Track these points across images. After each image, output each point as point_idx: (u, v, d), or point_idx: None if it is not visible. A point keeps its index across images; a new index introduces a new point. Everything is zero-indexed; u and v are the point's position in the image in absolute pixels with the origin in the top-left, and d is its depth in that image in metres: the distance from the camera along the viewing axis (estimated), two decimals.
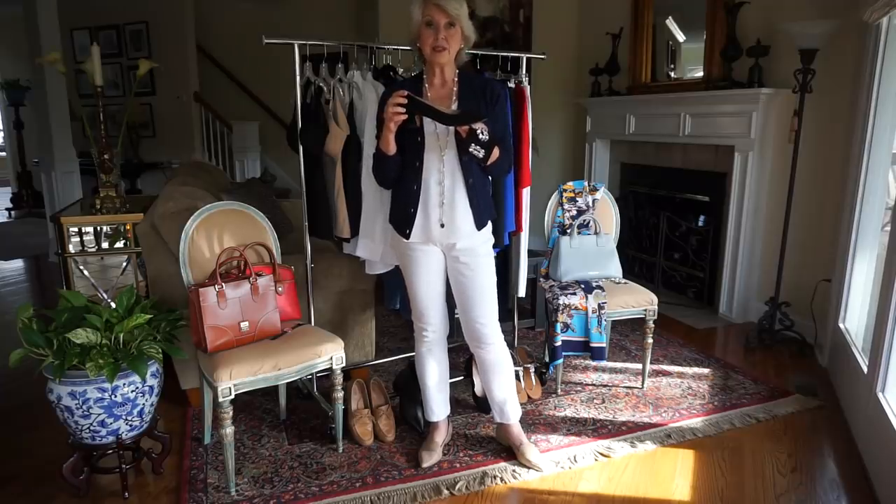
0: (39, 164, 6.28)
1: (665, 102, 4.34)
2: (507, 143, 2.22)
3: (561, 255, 2.97)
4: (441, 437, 2.45)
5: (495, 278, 2.31)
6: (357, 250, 2.54)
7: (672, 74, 4.59)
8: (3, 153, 10.07)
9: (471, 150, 2.04)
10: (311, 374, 2.50)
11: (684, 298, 4.37)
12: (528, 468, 2.33)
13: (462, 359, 3.27)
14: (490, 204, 2.31)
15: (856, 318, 3.06)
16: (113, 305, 2.23)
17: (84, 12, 6.88)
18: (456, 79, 2.20)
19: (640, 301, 2.84)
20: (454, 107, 2.16)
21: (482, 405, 2.76)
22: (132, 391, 2.11)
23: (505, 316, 2.80)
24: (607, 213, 3.11)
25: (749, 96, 3.66)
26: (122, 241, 3.48)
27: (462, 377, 3.01)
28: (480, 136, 2.02)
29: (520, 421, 2.43)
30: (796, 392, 2.96)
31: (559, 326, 2.79)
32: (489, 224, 2.29)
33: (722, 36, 3.88)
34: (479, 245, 2.25)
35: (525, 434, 2.45)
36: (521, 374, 2.94)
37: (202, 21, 6.86)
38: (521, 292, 3.14)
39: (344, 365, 2.34)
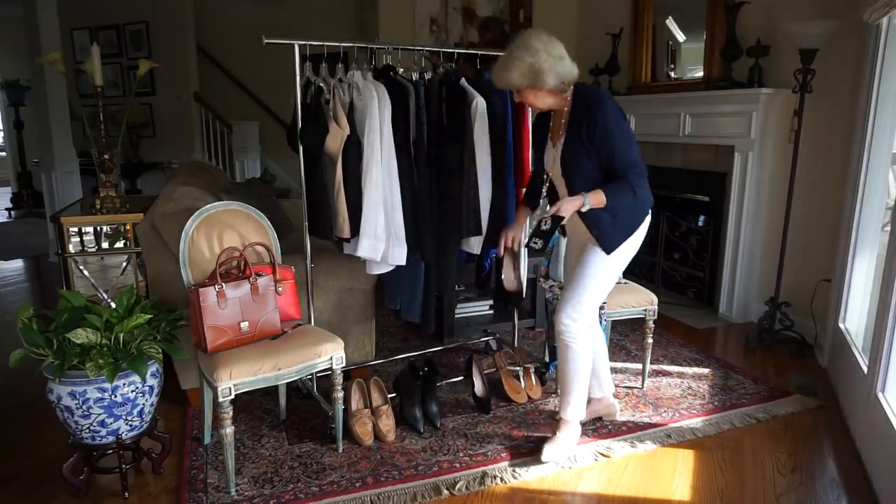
0: (39, 164, 6.28)
1: (665, 102, 4.34)
2: (620, 166, 2.20)
3: (561, 255, 2.97)
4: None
5: (600, 276, 2.36)
6: (358, 250, 2.54)
7: (672, 74, 4.59)
8: (3, 153, 10.07)
9: (530, 244, 2.23)
10: (311, 374, 2.50)
11: (684, 298, 4.37)
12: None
13: (462, 359, 3.27)
14: (624, 224, 2.32)
15: (856, 318, 3.06)
16: (113, 305, 2.23)
17: (84, 12, 6.89)
18: (569, 108, 2.29)
19: (640, 301, 2.84)
20: (563, 133, 2.30)
21: (482, 405, 2.77)
22: (132, 391, 2.11)
23: (505, 316, 2.81)
24: None
25: (749, 96, 3.66)
26: (122, 241, 3.48)
27: (462, 377, 3.01)
28: (542, 226, 2.19)
29: (521, 421, 2.42)
30: (796, 392, 2.96)
31: None
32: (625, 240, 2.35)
33: (722, 36, 3.88)
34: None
35: (555, 429, 2.48)
36: (521, 374, 2.94)
37: (202, 21, 6.86)
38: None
39: (344, 365, 2.34)
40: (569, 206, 2.18)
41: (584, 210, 2.21)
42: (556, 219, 2.18)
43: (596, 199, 2.18)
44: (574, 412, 2.45)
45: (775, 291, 3.55)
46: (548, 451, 2.38)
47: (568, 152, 2.27)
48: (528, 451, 2.44)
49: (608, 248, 2.31)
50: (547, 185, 2.45)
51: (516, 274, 2.74)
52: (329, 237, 2.60)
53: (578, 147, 2.23)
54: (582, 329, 2.36)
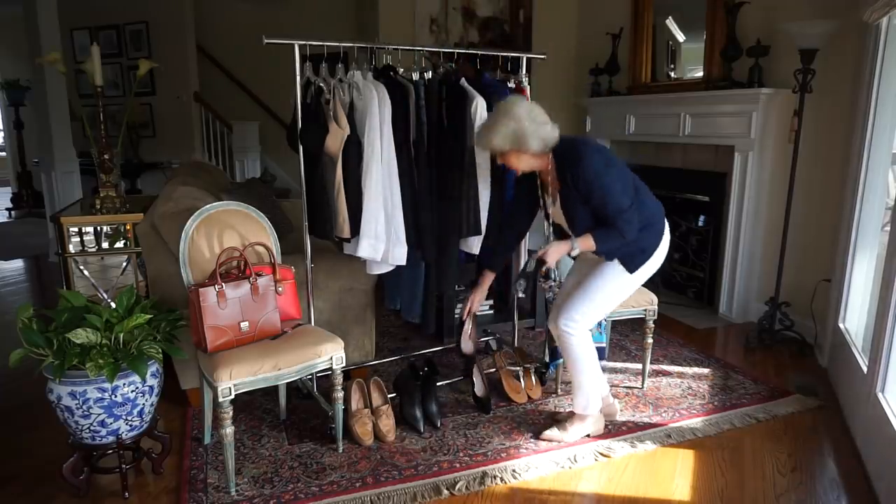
0: (39, 164, 6.28)
1: (665, 102, 4.33)
2: (608, 213, 2.27)
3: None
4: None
5: (613, 290, 2.44)
6: (358, 250, 2.54)
7: (672, 74, 4.59)
8: (3, 153, 10.06)
9: (516, 287, 2.38)
10: (311, 374, 2.50)
11: (684, 298, 4.37)
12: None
13: (462, 359, 3.27)
14: (643, 243, 2.40)
15: (856, 318, 3.06)
16: (113, 305, 2.23)
17: (84, 12, 6.88)
18: (551, 166, 2.37)
19: (640, 301, 2.84)
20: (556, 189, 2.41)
21: (482, 405, 2.77)
22: (132, 391, 2.11)
23: (505, 316, 2.81)
24: None
25: (749, 96, 3.66)
26: (122, 241, 3.48)
27: (462, 377, 3.01)
28: (527, 268, 2.33)
29: (521, 421, 2.43)
30: (796, 392, 2.96)
31: None
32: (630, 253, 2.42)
33: (722, 36, 3.88)
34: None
35: (560, 427, 2.55)
36: (521, 374, 2.94)
37: (202, 21, 6.86)
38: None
39: (344, 365, 2.34)
40: (555, 252, 2.31)
41: (573, 255, 2.34)
42: (540, 262, 2.29)
43: (585, 245, 2.31)
44: (582, 404, 2.51)
45: (775, 291, 3.55)
46: (548, 431, 2.50)
47: (566, 204, 2.37)
48: (529, 451, 2.44)
49: (631, 269, 2.41)
50: (550, 230, 2.57)
51: (473, 338, 2.81)
52: (329, 237, 2.60)
53: (574, 197, 2.33)
54: (579, 331, 2.42)
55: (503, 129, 2.23)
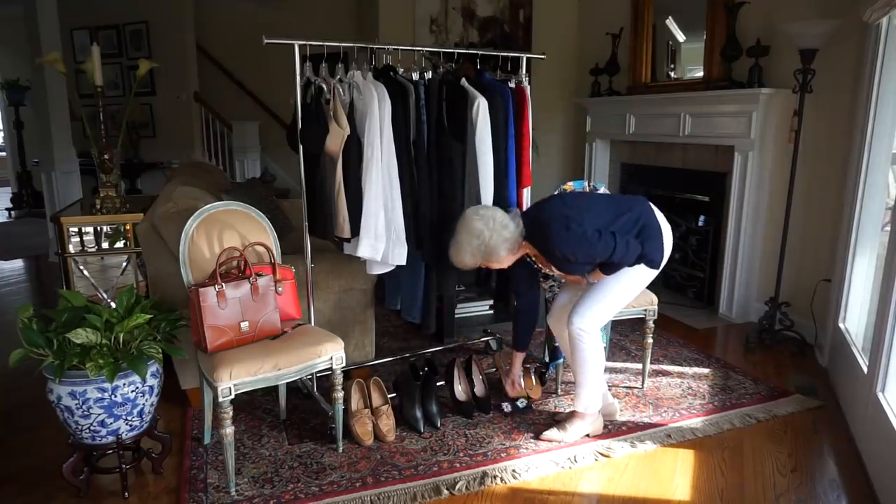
0: (39, 164, 6.29)
1: (665, 102, 4.33)
2: (601, 260, 2.32)
3: None
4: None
5: (620, 288, 2.43)
6: (358, 250, 2.54)
7: (672, 74, 4.59)
8: (3, 153, 10.07)
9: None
10: (311, 374, 2.50)
11: (684, 298, 4.37)
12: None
13: (462, 358, 3.27)
14: (654, 244, 2.38)
15: (856, 318, 3.06)
16: (113, 305, 2.23)
17: (84, 12, 6.89)
18: (533, 250, 2.42)
19: (640, 301, 2.83)
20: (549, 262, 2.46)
21: (481, 405, 2.76)
22: (132, 391, 2.11)
23: (505, 316, 2.81)
24: None
25: (749, 96, 3.66)
26: (122, 241, 3.48)
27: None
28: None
29: (521, 421, 2.42)
30: (796, 392, 2.96)
31: None
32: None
33: (722, 36, 3.88)
34: None
35: (561, 427, 2.55)
36: (521, 374, 2.94)
37: (202, 21, 6.86)
38: None
39: (344, 365, 2.34)
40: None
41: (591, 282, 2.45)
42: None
43: (596, 277, 2.42)
44: (585, 404, 2.51)
45: (775, 291, 3.55)
46: (548, 431, 2.51)
47: (567, 271, 2.43)
48: (529, 452, 2.44)
49: (654, 266, 2.40)
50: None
51: (465, 387, 2.83)
52: (329, 237, 2.60)
53: (570, 267, 2.37)
54: (593, 331, 2.43)
55: (468, 248, 2.29)
